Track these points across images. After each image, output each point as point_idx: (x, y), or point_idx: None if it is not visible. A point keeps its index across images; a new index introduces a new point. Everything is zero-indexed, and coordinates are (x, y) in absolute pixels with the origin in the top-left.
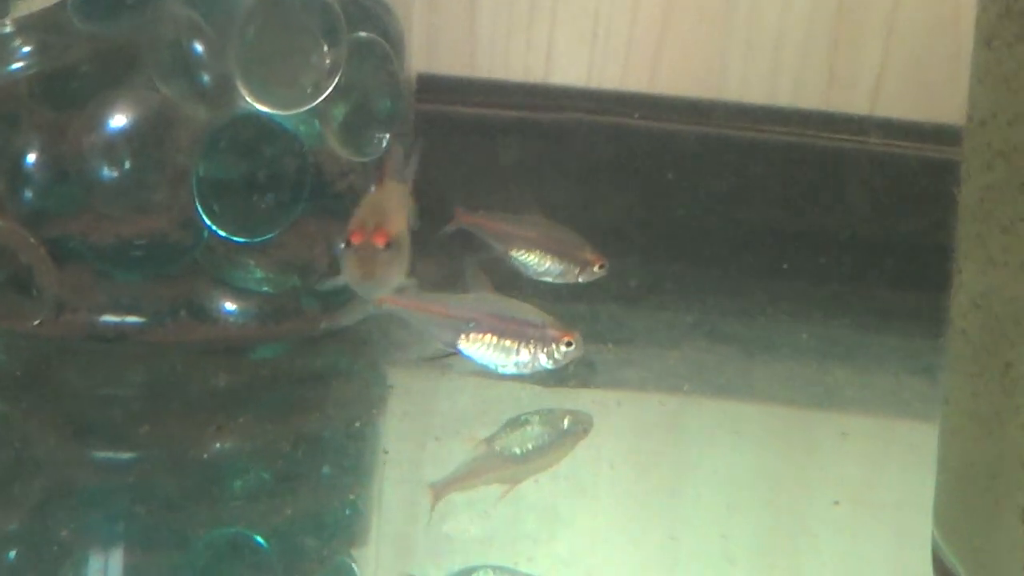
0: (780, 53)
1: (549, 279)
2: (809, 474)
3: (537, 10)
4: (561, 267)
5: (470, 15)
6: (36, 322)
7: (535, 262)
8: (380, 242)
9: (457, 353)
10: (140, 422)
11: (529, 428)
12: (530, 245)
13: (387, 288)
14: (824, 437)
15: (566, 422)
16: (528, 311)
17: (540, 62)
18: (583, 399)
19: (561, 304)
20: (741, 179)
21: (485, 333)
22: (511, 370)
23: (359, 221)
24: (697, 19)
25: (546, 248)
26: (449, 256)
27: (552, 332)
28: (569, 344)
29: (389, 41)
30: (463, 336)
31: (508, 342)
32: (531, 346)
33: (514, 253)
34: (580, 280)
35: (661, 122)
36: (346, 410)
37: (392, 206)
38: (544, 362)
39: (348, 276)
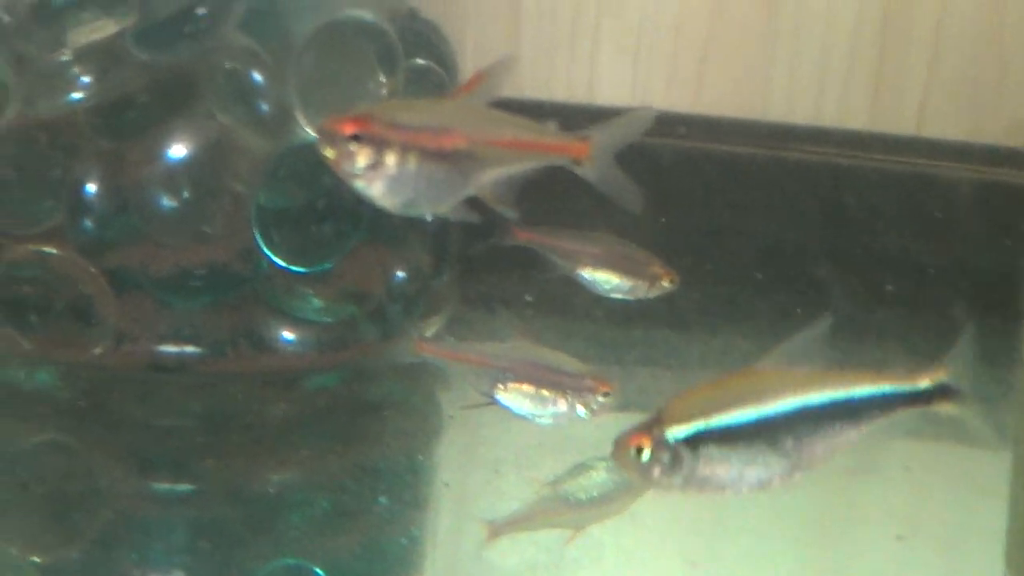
0: (825, 72)
1: (619, 296)
2: (871, 507)
3: (580, 28)
4: (631, 284)
5: (514, 34)
6: (96, 352)
7: (604, 279)
8: (345, 130)
9: (494, 402)
10: (199, 453)
11: (595, 474)
12: (598, 262)
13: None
14: (887, 468)
15: None
16: (565, 361)
17: (584, 81)
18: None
19: (614, 328)
20: (787, 200)
21: (522, 383)
22: (547, 420)
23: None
24: (741, 36)
25: (614, 265)
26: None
27: (589, 382)
28: (606, 395)
29: (443, 67)
30: (500, 385)
31: (545, 392)
32: (568, 396)
33: (581, 271)
34: (650, 295)
35: (706, 142)
36: (405, 441)
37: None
38: (581, 412)
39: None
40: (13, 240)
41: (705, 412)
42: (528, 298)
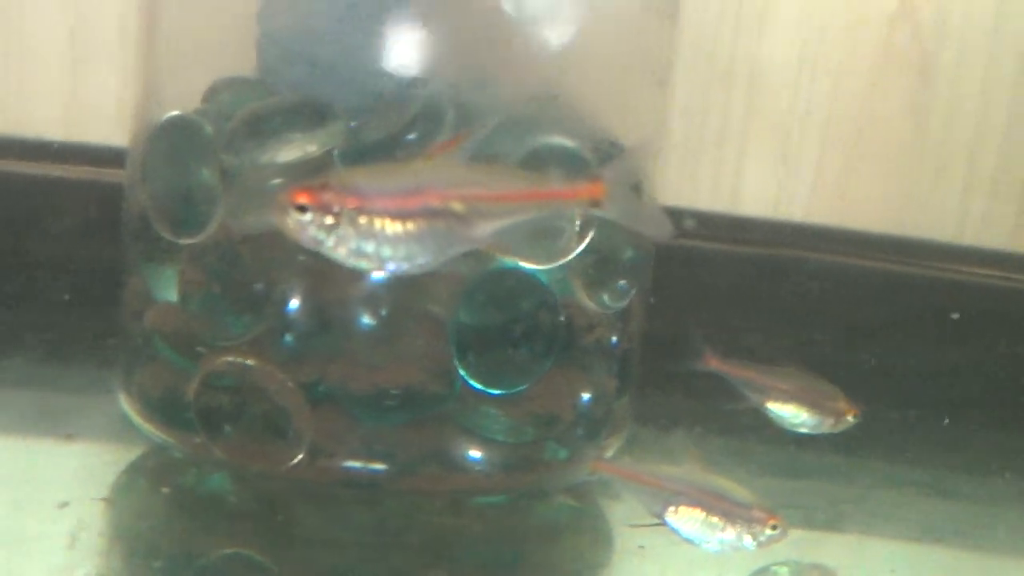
0: (969, 189)
1: (804, 430)
2: None
3: (728, 131)
4: (816, 419)
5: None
6: (289, 465)
7: (791, 414)
8: (297, 199)
9: (664, 524)
10: (363, 569)
11: None
12: (787, 397)
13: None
14: (875, 571)
15: None
16: (735, 490)
17: (728, 188)
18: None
19: (779, 450)
20: (935, 321)
21: (694, 507)
22: (714, 547)
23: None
24: (886, 149)
25: (802, 400)
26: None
27: (758, 513)
28: (775, 527)
29: (633, 188)
30: (671, 508)
31: (715, 519)
32: (737, 525)
33: (770, 405)
34: (835, 431)
35: (848, 257)
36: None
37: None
38: (748, 543)
39: None
40: (213, 351)
41: None
42: (710, 425)
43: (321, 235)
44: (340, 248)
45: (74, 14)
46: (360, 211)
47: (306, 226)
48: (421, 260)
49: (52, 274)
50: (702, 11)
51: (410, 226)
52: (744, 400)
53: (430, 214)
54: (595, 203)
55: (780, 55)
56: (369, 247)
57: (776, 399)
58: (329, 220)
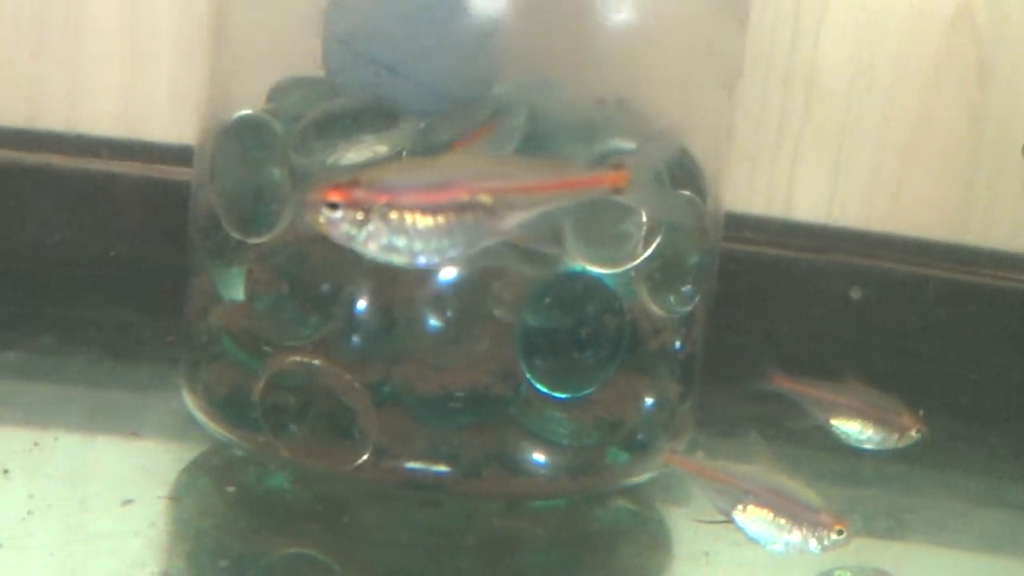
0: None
1: (869, 447)
2: None
3: (784, 137)
4: (882, 435)
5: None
6: (354, 466)
7: (856, 431)
8: (328, 196)
9: (731, 522)
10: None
11: None
12: (852, 414)
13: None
14: None
15: None
16: (804, 492)
17: (782, 194)
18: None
19: (839, 457)
20: (991, 328)
21: (762, 507)
22: (779, 548)
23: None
24: (943, 153)
25: (867, 416)
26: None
27: (825, 518)
28: (840, 533)
29: (702, 200)
30: (739, 506)
31: (782, 520)
32: (803, 528)
33: (835, 422)
34: (899, 446)
35: (903, 263)
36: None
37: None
38: (813, 547)
39: None
40: (280, 350)
41: None
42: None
43: (353, 231)
44: (371, 243)
45: (130, 11)
46: (390, 207)
47: (338, 223)
48: (451, 253)
49: (112, 271)
50: (759, 15)
51: (440, 220)
52: (809, 418)
53: (459, 207)
54: (618, 190)
55: (837, 59)
56: (400, 242)
57: (841, 416)
58: (360, 216)
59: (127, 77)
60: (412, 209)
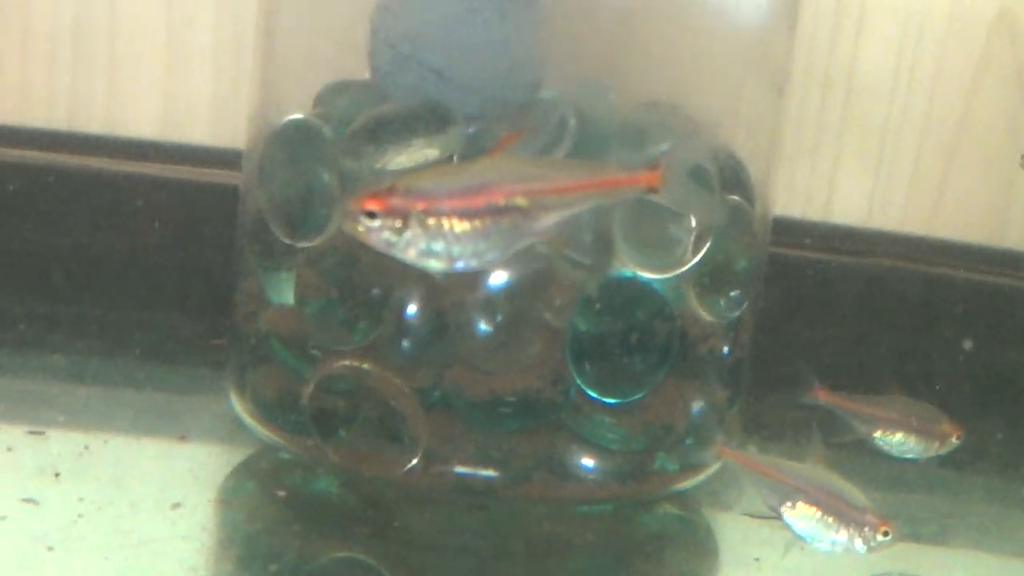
0: None
1: (911, 456)
2: None
3: (823, 138)
4: (923, 445)
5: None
6: (404, 471)
7: (899, 443)
8: (365, 205)
9: (779, 518)
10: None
11: None
12: (894, 427)
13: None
14: None
15: None
16: (853, 493)
17: (822, 197)
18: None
19: (884, 462)
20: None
21: (811, 505)
22: (825, 547)
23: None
24: (983, 157)
25: (908, 427)
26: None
27: (872, 518)
28: (886, 534)
29: (750, 205)
30: (788, 503)
31: (830, 519)
32: (850, 528)
33: (877, 435)
34: (940, 453)
35: (943, 267)
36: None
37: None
38: (859, 547)
39: None
40: (329, 354)
41: None
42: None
43: (392, 238)
44: (410, 250)
45: (170, 14)
46: (427, 213)
47: (376, 231)
48: (489, 256)
49: (154, 274)
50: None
51: (477, 224)
52: (851, 431)
53: (495, 211)
54: (652, 189)
55: (876, 62)
56: (438, 247)
57: (884, 429)
58: (398, 224)
59: (167, 80)
60: (449, 214)
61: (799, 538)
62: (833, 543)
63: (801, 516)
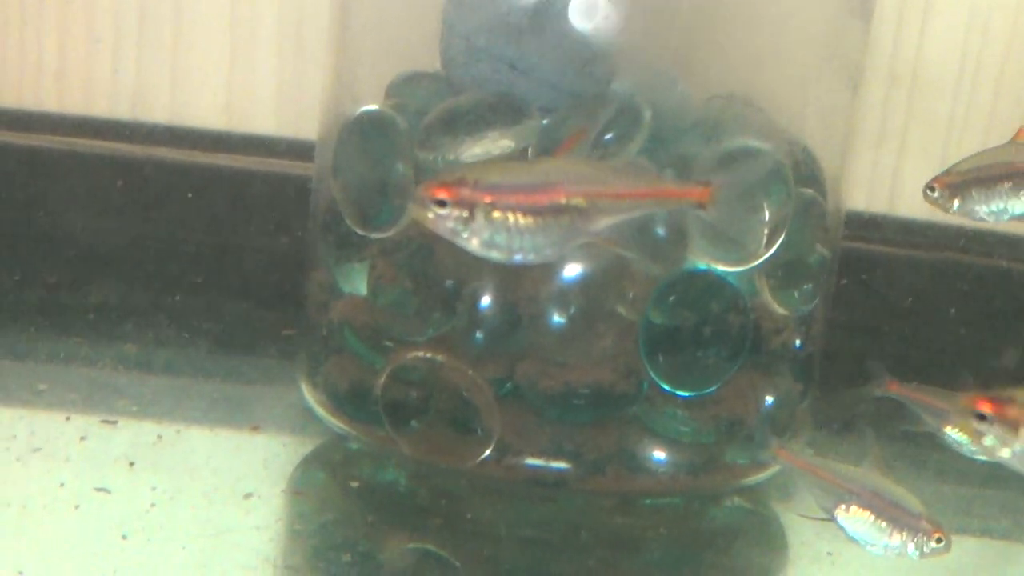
0: None
1: (981, 457)
2: None
3: (887, 132)
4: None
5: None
6: (476, 462)
7: (968, 440)
8: (436, 194)
9: (832, 520)
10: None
11: None
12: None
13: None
14: None
15: None
16: (907, 498)
17: (885, 190)
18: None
19: (955, 457)
20: None
21: (864, 509)
22: (878, 551)
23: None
24: None
25: None
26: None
27: (925, 524)
28: (940, 541)
29: (823, 199)
30: (842, 506)
31: (883, 523)
32: (904, 533)
33: (948, 429)
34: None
35: (1007, 261)
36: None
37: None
38: (911, 552)
39: None
40: (402, 345)
41: None
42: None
43: (459, 227)
44: (474, 239)
45: (234, 4)
46: (494, 206)
47: (444, 219)
48: (546, 252)
49: (221, 264)
50: None
51: (539, 220)
52: (921, 424)
53: (556, 209)
54: (700, 205)
55: (942, 55)
56: (500, 239)
57: (956, 423)
58: (465, 214)
59: (231, 70)
60: (514, 209)
61: (852, 540)
62: (886, 547)
63: (854, 519)
